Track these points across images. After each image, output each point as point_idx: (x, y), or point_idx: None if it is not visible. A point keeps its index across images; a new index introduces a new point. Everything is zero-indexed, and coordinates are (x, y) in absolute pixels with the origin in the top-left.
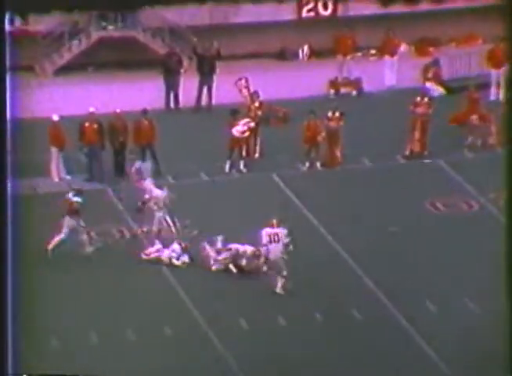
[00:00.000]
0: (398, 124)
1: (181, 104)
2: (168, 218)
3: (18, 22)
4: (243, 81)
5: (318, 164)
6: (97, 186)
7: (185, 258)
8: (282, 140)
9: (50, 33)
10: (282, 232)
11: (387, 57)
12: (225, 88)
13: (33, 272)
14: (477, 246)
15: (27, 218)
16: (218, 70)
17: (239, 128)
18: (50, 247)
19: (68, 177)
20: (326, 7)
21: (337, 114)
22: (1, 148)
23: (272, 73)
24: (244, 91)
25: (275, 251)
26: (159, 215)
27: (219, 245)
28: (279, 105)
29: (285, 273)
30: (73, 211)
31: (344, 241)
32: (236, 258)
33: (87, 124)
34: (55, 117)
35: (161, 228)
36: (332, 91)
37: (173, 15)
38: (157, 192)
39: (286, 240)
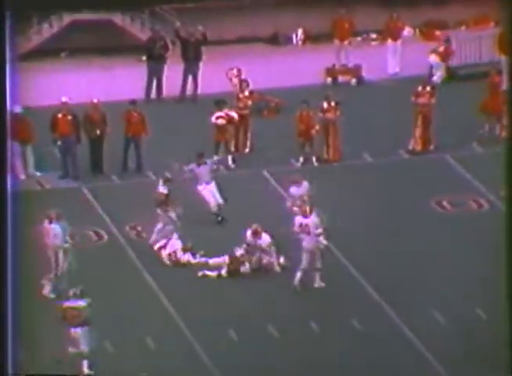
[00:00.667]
0: (401, 116)
1: (164, 93)
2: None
3: None
4: (234, 71)
5: (313, 160)
6: (71, 183)
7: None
8: (274, 133)
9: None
10: (313, 222)
11: (389, 42)
12: (212, 77)
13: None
14: (487, 248)
15: None
16: (203, 57)
17: (217, 115)
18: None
19: (38, 173)
20: None
21: (333, 104)
22: None
23: (264, 59)
24: (235, 80)
25: (308, 241)
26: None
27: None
28: (271, 95)
29: (319, 265)
30: (162, 202)
31: (343, 243)
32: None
33: (60, 116)
34: (18, 109)
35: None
36: (329, 79)
37: None
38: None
39: (319, 230)
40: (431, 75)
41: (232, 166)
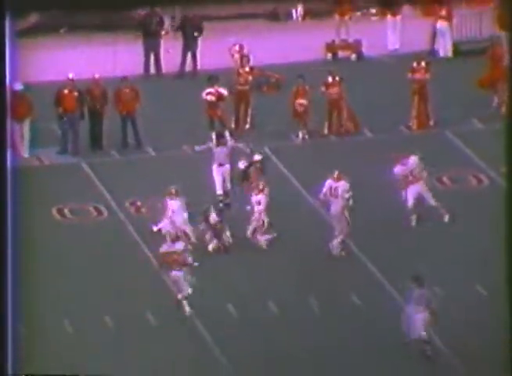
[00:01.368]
0: (401, 92)
1: (163, 69)
2: None
3: None
4: (236, 47)
5: (304, 134)
6: (71, 159)
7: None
8: (274, 109)
9: None
10: (343, 186)
11: (389, 17)
12: (212, 53)
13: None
14: (487, 224)
15: None
16: (203, 33)
17: (207, 91)
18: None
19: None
20: None
21: (337, 79)
22: None
23: (264, 35)
24: (236, 56)
25: (335, 205)
26: None
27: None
28: (272, 70)
29: (344, 232)
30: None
31: None
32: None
33: (66, 92)
34: (18, 86)
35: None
36: (329, 55)
37: None
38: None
39: (347, 195)
40: (433, 50)
41: (231, 141)
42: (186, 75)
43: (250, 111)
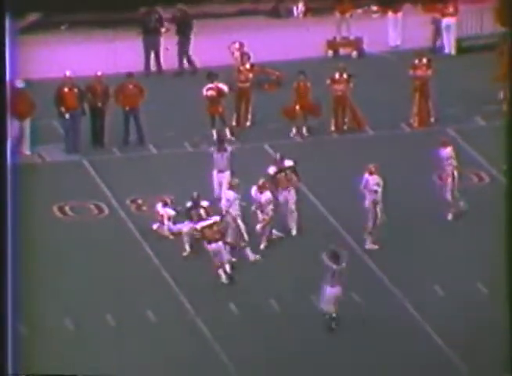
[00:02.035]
0: (403, 89)
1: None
2: None
3: None
4: (236, 45)
5: (304, 130)
6: (72, 156)
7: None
8: (275, 106)
9: None
10: (373, 180)
11: (390, 14)
12: (212, 50)
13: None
14: (488, 221)
15: None
16: (201, 30)
17: (207, 87)
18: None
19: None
20: None
21: (345, 76)
22: None
23: (264, 32)
24: (236, 54)
25: (368, 198)
26: None
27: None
28: (272, 68)
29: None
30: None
31: (343, 217)
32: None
33: (66, 89)
34: (19, 83)
35: None
36: (330, 52)
37: None
38: None
39: (375, 187)
40: (436, 47)
41: (232, 139)
42: (187, 72)
43: (250, 109)
